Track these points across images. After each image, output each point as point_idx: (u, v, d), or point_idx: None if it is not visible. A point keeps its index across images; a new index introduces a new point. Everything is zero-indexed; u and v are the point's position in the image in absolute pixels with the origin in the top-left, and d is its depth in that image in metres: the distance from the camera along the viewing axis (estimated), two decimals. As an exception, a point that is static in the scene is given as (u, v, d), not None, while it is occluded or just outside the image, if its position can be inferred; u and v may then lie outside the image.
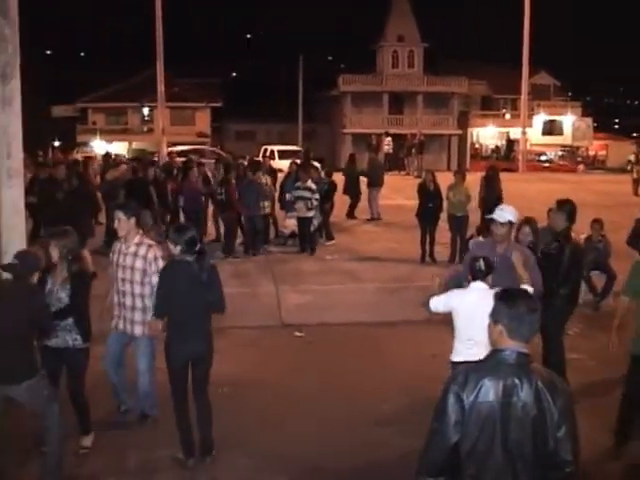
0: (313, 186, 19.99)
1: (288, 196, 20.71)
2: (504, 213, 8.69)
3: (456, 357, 7.58)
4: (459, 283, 8.40)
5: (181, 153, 38.66)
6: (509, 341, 4.60)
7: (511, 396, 4.48)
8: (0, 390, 7.15)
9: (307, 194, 19.79)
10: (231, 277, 16.03)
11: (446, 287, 8.29)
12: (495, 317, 4.69)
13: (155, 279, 8.52)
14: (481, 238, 12.70)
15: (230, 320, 13.42)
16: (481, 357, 7.04)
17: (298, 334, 13.12)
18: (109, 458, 8.29)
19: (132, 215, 8.89)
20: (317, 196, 19.91)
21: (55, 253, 7.95)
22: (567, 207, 9.98)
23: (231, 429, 8.77)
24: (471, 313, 7.33)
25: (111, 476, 7.89)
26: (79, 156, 42.69)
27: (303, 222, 20.07)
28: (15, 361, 7.11)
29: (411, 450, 7.76)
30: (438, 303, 7.83)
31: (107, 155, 31.73)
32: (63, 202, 16.47)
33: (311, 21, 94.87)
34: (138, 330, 8.93)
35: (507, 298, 4.72)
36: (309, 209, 19.76)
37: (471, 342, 7.31)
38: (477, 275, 7.59)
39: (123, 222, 8.87)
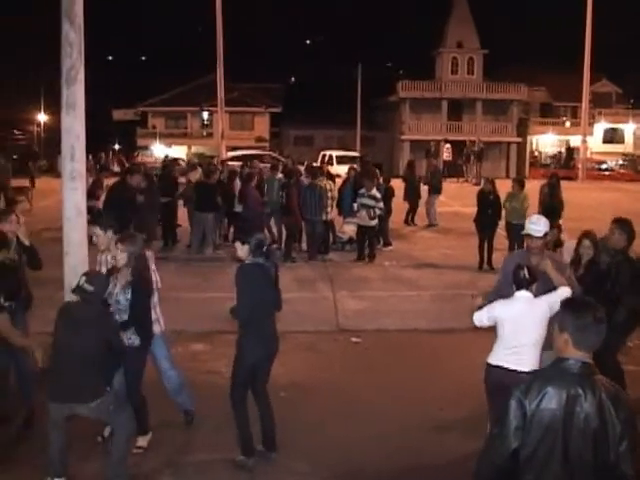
0: (378, 195, 19.88)
1: (355, 205, 20.41)
2: (538, 226, 8.52)
3: (493, 360, 7.51)
4: (499, 295, 8.37)
5: (237, 158, 38.91)
6: (574, 351, 4.58)
7: (574, 406, 4.46)
8: (68, 408, 7.27)
9: (371, 202, 19.62)
10: (290, 282, 16.10)
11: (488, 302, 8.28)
12: (561, 326, 4.67)
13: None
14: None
15: (288, 324, 13.49)
16: (521, 365, 7.12)
17: (355, 340, 13.11)
18: (165, 457, 8.37)
19: (108, 228, 8.91)
20: (381, 205, 19.83)
21: (122, 258, 8.05)
22: (627, 228, 9.88)
23: (288, 433, 8.79)
24: (517, 322, 7.29)
25: (169, 476, 7.97)
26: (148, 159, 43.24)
27: (364, 231, 19.94)
28: (85, 381, 7.19)
29: (466, 455, 7.84)
30: (482, 316, 7.75)
31: (174, 159, 32.02)
32: (134, 207, 16.47)
33: (370, 27, 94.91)
34: (156, 328, 8.95)
35: (574, 307, 4.70)
36: (372, 218, 19.66)
37: (514, 349, 7.29)
38: (521, 284, 7.51)
39: (101, 237, 8.89)
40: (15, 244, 9.21)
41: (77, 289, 7.30)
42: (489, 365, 7.53)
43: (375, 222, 19.88)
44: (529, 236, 8.46)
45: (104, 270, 8.84)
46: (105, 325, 7.47)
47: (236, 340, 8.17)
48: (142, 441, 8.49)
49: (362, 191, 19.94)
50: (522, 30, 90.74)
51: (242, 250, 8.02)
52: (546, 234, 8.64)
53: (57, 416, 7.29)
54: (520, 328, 7.24)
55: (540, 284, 7.68)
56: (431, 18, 74.66)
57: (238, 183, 20.79)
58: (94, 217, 9.78)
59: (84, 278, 7.36)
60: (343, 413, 9.61)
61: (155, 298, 8.89)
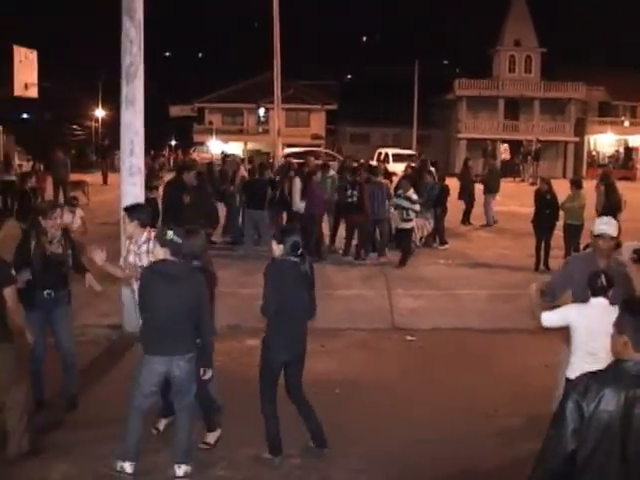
0: (414, 196, 19.33)
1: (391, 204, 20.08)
2: (610, 227, 8.43)
3: (572, 373, 7.31)
4: (553, 295, 8.27)
5: (293, 155, 39.03)
6: (633, 352, 4.52)
7: (632, 408, 4.41)
8: (165, 363, 7.44)
9: (406, 204, 19.18)
10: (345, 280, 16.14)
11: (544, 294, 8.19)
12: (620, 327, 4.62)
13: None
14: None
15: (343, 322, 13.62)
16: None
17: (409, 338, 13.09)
18: (219, 451, 8.42)
19: (135, 218, 9.13)
20: (417, 207, 19.36)
21: (161, 254, 8.15)
22: None
23: (342, 430, 8.82)
24: (592, 329, 7.13)
25: (222, 469, 8.02)
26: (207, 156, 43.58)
27: (398, 233, 19.68)
28: (183, 334, 7.49)
29: (521, 457, 7.78)
30: (551, 317, 7.62)
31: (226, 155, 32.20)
32: (189, 204, 16.56)
33: (427, 25, 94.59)
34: None
35: (633, 309, 4.65)
36: (404, 220, 19.30)
37: (592, 358, 7.06)
38: (598, 291, 7.31)
39: (127, 225, 9.17)
40: (60, 238, 9.32)
41: (169, 242, 7.50)
42: (570, 380, 7.30)
43: (409, 225, 19.48)
44: (600, 237, 8.32)
45: (131, 258, 9.20)
46: (197, 279, 7.70)
47: (262, 338, 8.22)
48: (210, 437, 8.58)
49: (399, 192, 19.67)
50: (581, 28, 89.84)
51: (277, 249, 8.02)
52: (617, 235, 8.54)
53: (151, 379, 7.47)
54: (595, 336, 7.08)
55: (615, 290, 7.55)
56: (488, 16, 74.03)
57: (298, 182, 20.57)
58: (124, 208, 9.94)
59: (171, 232, 7.56)
60: (397, 412, 9.60)
61: None
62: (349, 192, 19.76)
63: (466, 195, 26.52)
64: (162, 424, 8.77)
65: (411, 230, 19.61)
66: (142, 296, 7.60)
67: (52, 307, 9.20)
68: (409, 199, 19.16)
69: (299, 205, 20.06)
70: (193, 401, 7.82)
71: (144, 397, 7.55)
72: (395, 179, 23.90)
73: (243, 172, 23.26)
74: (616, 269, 8.09)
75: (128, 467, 7.47)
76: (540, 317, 7.70)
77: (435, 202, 21.60)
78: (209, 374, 7.94)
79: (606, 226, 8.33)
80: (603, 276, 7.35)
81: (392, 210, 19.69)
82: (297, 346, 8.13)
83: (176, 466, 7.63)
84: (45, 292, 9.05)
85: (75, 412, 9.42)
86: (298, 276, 7.98)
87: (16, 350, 8.03)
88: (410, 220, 19.31)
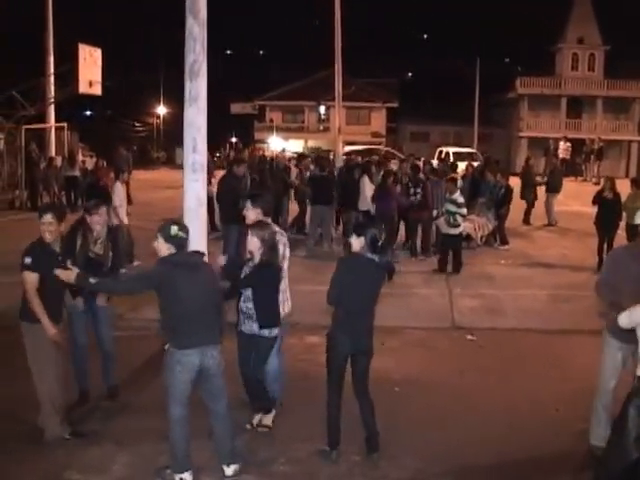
0: (460, 199, 18.60)
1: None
2: None
3: None
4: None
5: (355, 152, 39.05)
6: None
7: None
8: (199, 354, 7.42)
9: (452, 208, 18.37)
10: (406, 278, 16.09)
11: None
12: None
13: (286, 263, 9.10)
14: None
15: (403, 320, 13.63)
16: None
17: (470, 337, 13.05)
18: (278, 446, 8.45)
19: (258, 206, 9.16)
20: (464, 210, 18.59)
21: (254, 243, 8.27)
22: None
23: (402, 428, 8.85)
24: None
25: (281, 465, 8.05)
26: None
27: (444, 240, 18.90)
28: (213, 323, 7.57)
29: (580, 458, 7.73)
30: (624, 317, 7.47)
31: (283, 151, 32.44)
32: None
33: (488, 22, 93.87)
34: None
35: None
36: (451, 225, 18.39)
37: None
38: None
39: (250, 211, 9.16)
40: (105, 239, 9.46)
41: (174, 238, 7.46)
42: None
43: (457, 230, 18.49)
44: None
45: None
46: (210, 267, 7.88)
47: (327, 332, 8.28)
48: (267, 420, 8.67)
49: (447, 195, 18.98)
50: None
51: (356, 242, 8.07)
52: None
53: (187, 375, 7.43)
54: None
55: None
56: (551, 13, 73.23)
57: (368, 180, 20.49)
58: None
59: (176, 227, 7.53)
60: (456, 411, 9.59)
61: (284, 283, 9.23)
62: (412, 190, 19.73)
63: (528, 194, 26.31)
64: (256, 419, 8.88)
65: (460, 236, 18.83)
66: (167, 290, 7.41)
67: (93, 301, 9.43)
68: (455, 202, 18.42)
69: (369, 204, 19.97)
70: (227, 401, 7.82)
71: (183, 407, 7.48)
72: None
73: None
74: None
75: (188, 477, 7.49)
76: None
77: (499, 202, 21.47)
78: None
79: None
80: None
81: (439, 217, 19.11)
82: (361, 340, 8.13)
83: (224, 466, 7.68)
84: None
85: (139, 402, 9.64)
86: (372, 273, 8.05)
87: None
88: (458, 225, 18.44)
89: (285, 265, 9.16)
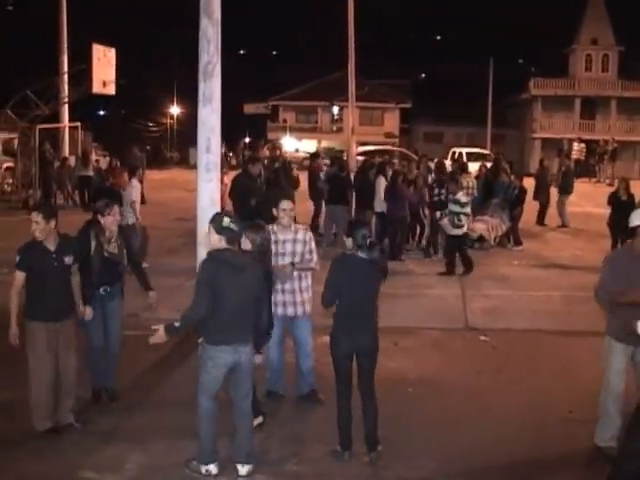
0: (463, 199, 18.41)
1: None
2: None
3: None
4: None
5: (368, 153, 39.06)
6: None
7: None
8: (232, 352, 7.46)
9: (456, 208, 18.13)
10: (419, 279, 16.08)
11: None
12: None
13: (309, 257, 9.39)
14: None
15: (417, 321, 13.63)
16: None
17: (483, 338, 13.02)
18: (292, 446, 8.46)
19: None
20: (467, 210, 18.35)
21: (247, 245, 8.21)
22: None
23: (415, 428, 8.84)
24: None
25: (295, 465, 8.03)
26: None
27: (449, 241, 18.69)
28: (247, 321, 7.59)
29: (593, 458, 7.71)
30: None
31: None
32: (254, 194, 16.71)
33: (501, 23, 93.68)
34: (300, 310, 9.60)
35: None
36: (455, 226, 18.09)
37: None
38: None
39: (289, 212, 9.31)
40: (117, 238, 9.51)
41: (225, 229, 7.46)
42: None
43: (460, 231, 18.19)
44: None
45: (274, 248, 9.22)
46: (258, 269, 7.82)
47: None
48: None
49: (450, 195, 18.86)
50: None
51: (347, 242, 8.14)
52: None
53: (219, 371, 7.48)
54: None
55: None
56: (564, 14, 73.05)
57: (383, 181, 20.39)
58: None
59: (228, 219, 7.55)
60: (470, 412, 9.57)
61: (309, 280, 9.61)
62: (436, 191, 19.73)
63: (542, 195, 26.27)
64: None
65: (464, 236, 18.62)
66: (208, 286, 7.39)
67: (106, 301, 9.50)
68: (458, 202, 18.21)
69: (383, 205, 19.88)
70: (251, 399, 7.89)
71: (211, 400, 7.55)
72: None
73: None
74: None
75: (213, 469, 7.56)
76: None
77: (513, 203, 21.43)
78: (260, 359, 8.19)
79: None
80: None
81: (444, 218, 18.67)
82: (362, 340, 8.11)
83: (239, 465, 7.67)
84: (101, 289, 9.37)
85: (151, 400, 9.71)
86: (365, 271, 8.03)
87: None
88: (462, 226, 18.14)
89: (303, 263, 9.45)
